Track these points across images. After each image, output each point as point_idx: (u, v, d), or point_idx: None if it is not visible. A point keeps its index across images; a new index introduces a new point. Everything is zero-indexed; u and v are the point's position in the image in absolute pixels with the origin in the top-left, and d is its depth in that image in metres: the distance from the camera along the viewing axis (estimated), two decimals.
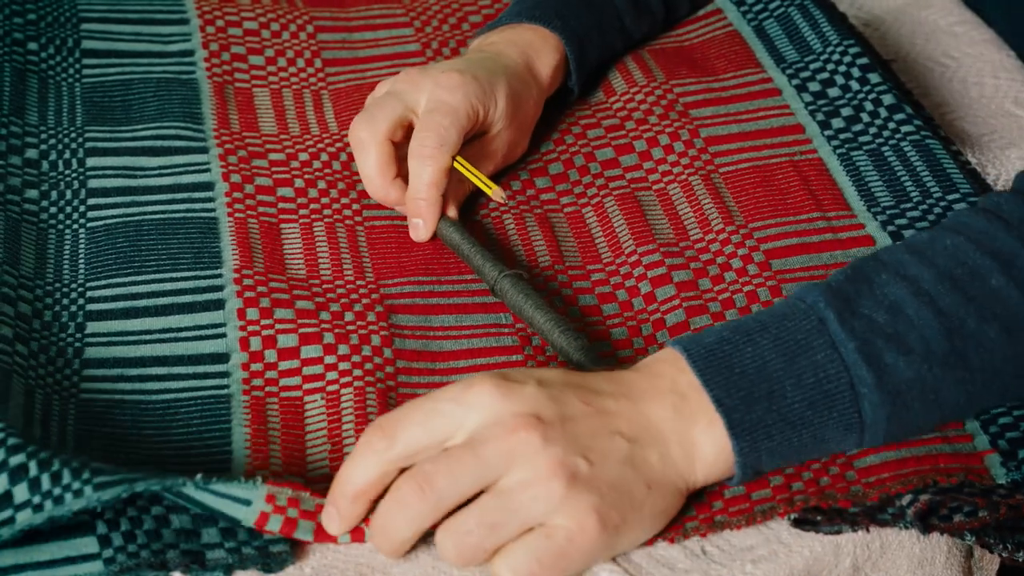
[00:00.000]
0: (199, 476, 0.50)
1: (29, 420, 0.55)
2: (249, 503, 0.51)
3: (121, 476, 0.49)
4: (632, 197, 0.69)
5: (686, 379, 0.53)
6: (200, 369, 0.59)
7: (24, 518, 0.49)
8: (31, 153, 0.69)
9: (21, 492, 0.49)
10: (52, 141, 0.70)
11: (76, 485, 0.49)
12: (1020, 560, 0.54)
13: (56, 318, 0.61)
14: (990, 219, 0.57)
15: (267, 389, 0.59)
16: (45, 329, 0.60)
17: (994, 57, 0.81)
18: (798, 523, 0.54)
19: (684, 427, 0.53)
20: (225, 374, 0.59)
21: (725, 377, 0.53)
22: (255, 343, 0.60)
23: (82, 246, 0.65)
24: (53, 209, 0.67)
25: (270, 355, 0.60)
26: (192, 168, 0.69)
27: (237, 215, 0.67)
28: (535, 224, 0.68)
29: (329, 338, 0.60)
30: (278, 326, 0.61)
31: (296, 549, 0.53)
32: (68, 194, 0.67)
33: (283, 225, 0.67)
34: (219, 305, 0.62)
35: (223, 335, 0.61)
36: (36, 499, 0.49)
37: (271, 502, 0.51)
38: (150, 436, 0.56)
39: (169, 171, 0.69)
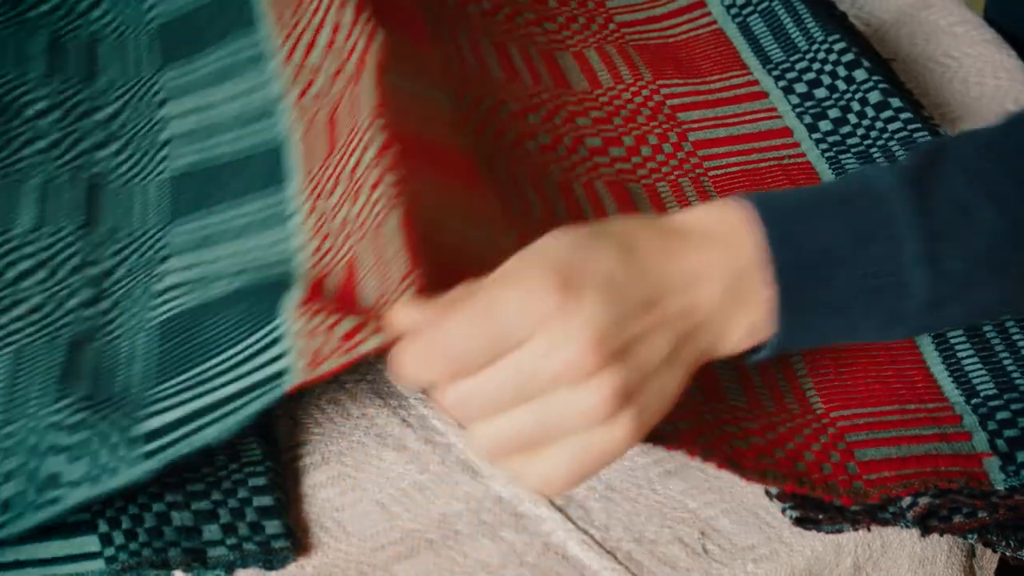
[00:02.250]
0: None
1: (98, 380, 0.56)
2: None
3: (174, 437, 0.51)
4: (622, 186, 0.69)
5: (747, 255, 0.51)
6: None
7: (81, 494, 0.51)
8: (101, 115, 0.71)
9: (78, 468, 0.51)
10: (126, 97, 0.72)
11: (133, 454, 0.51)
12: (1023, 558, 0.54)
13: (137, 264, 0.63)
14: None
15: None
16: (127, 277, 0.62)
17: (994, 57, 0.81)
18: (800, 521, 0.54)
19: (727, 314, 0.51)
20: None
21: (794, 257, 0.51)
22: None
23: (161, 194, 0.66)
24: (130, 163, 0.68)
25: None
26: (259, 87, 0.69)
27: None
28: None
29: None
30: None
31: (298, 547, 0.53)
32: (144, 145, 0.69)
33: None
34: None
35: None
36: (94, 472, 0.50)
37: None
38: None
39: (239, 97, 0.69)
